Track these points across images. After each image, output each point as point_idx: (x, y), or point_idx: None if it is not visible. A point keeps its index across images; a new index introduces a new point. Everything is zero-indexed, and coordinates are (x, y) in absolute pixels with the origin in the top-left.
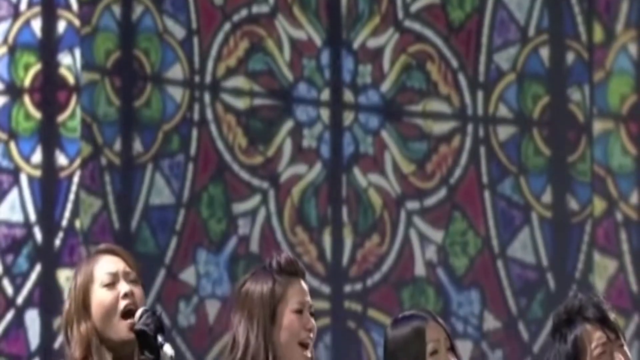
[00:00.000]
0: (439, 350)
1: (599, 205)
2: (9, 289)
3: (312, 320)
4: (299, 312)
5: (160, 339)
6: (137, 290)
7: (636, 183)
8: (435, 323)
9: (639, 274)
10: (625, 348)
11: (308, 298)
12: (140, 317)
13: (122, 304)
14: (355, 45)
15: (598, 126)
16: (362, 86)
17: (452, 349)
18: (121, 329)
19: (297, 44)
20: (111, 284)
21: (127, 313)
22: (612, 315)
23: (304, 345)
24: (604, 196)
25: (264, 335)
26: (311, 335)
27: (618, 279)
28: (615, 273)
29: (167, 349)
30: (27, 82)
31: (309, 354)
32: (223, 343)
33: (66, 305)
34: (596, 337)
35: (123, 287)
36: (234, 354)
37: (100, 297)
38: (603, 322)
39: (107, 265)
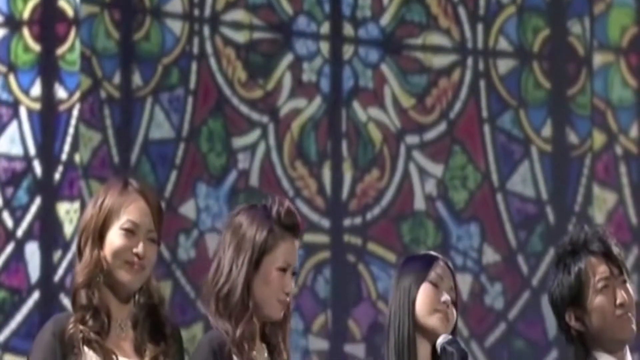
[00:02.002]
0: (439, 285)
1: (598, 138)
2: (8, 222)
3: (292, 282)
4: (283, 270)
5: None
6: (151, 251)
7: (636, 116)
8: (446, 266)
9: (638, 207)
10: (628, 285)
11: (295, 259)
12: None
13: (131, 258)
14: None
15: (598, 59)
16: (362, 19)
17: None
18: (122, 270)
19: None
20: (130, 232)
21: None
22: (617, 250)
23: (279, 304)
24: (604, 129)
25: (245, 276)
26: (288, 299)
27: (617, 212)
28: (615, 206)
29: None
30: (26, 14)
31: (281, 314)
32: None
33: (88, 215)
34: (600, 270)
35: (140, 246)
36: (217, 277)
37: (114, 237)
38: (607, 256)
39: (135, 211)
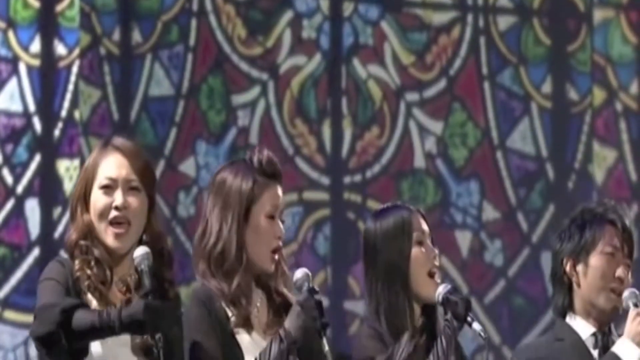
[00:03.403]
0: (424, 241)
1: (598, 95)
2: (8, 179)
3: (282, 227)
4: (272, 217)
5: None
6: (134, 200)
7: (636, 72)
8: (420, 216)
9: (638, 164)
10: (630, 273)
11: (281, 202)
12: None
13: (112, 214)
14: None
15: (598, 15)
16: None
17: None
18: (108, 235)
19: None
20: (108, 189)
21: (116, 222)
22: (634, 238)
23: (273, 251)
24: (604, 86)
25: (236, 231)
26: (280, 243)
27: (617, 169)
28: (615, 163)
29: (476, 326)
30: None
31: (275, 259)
32: None
33: (77, 184)
34: (613, 239)
35: (118, 197)
36: (206, 240)
37: (95, 198)
38: (624, 233)
39: (109, 167)
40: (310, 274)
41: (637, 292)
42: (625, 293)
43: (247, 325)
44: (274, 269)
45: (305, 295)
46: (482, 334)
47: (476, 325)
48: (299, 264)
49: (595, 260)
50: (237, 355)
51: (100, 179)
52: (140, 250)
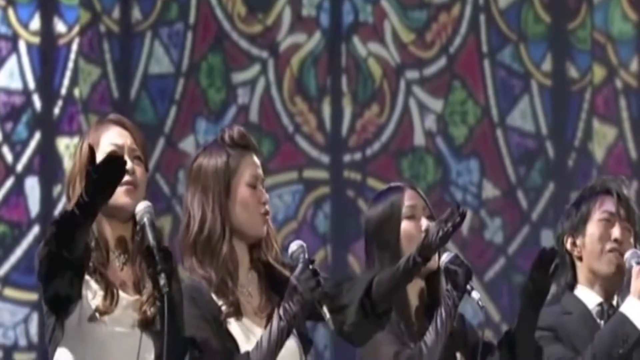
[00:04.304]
0: (416, 215)
1: (598, 72)
2: (8, 156)
3: (265, 193)
4: (253, 186)
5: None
6: (139, 169)
7: (636, 50)
8: (412, 191)
9: (637, 141)
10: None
11: (260, 171)
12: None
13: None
14: None
15: None
16: None
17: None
18: (118, 195)
19: None
20: None
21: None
22: (633, 202)
23: (260, 218)
24: (604, 63)
25: (220, 209)
26: (267, 207)
27: (617, 147)
28: (615, 140)
29: (475, 294)
30: None
31: (266, 221)
32: None
33: (71, 166)
34: (607, 206)
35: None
36: (190, 229)
37: None
38: (619, 197)
39: (114, 136)
40: (305, 245)
41: (639, 251)
42: (627, 254)
43: (237, 313)
44: (264, 242)
45: (301, 268)
46: (480, 302)
47: (475, 294)
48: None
49: (591, 228)
50: (230, 348)
51: (105, 147)
52: (142, 204)
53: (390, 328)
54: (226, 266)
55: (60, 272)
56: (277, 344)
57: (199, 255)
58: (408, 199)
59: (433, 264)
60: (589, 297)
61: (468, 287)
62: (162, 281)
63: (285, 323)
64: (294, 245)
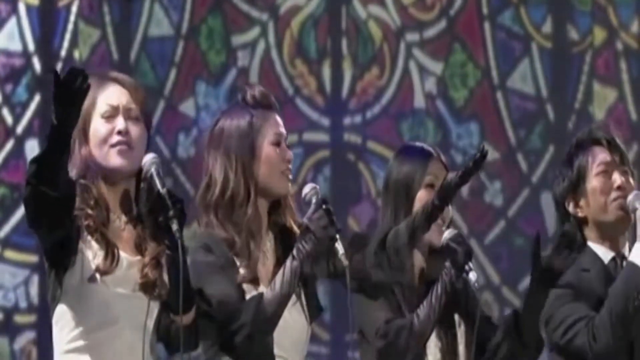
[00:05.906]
0: (435, 185)
1: (599, 34)
2: (8, 118)
3: (289, 151)
4: (277, 144)
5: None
6: (135, 129)
7: (637, 11)
8: (438, 162)
9: (638, 103)
10: (630, 176)
11: (283, 130)
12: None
13: (115, 139)
14: None
15: None
16: None
17: None
18: (111, 156)
19: None
20: (110, 117)
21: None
22: (622, 144)
23: (284, 175)
24: (605, 25)
25: (243, 170)
26: (290, 166)
27: (617, 109)
28: (615, 102)
29: (472, 276)
30: None
31: (289, 186)
32: None
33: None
34: (601, 157)
35: (120, 123)
36: (211, 192)
37: (96, 126)
38: (610, 144)
39: (110, 96)
40: (318, 187)
41: None
42: (630, 197)
43: (255, 282)
44: (284, 201)
45: (313, 208)
46: (476, 285)
47: (472, 276)
48: (299, 205)
49: (591, 184)
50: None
51: (101, 106)
52: (148, 156)
53: (388, 297)
54: (249, 228)
55: (47, 211)
56: (290, 285)
57: (219, 216)
58: (433, 168)
59: (436, 240)
60: (602, 252)
61: (466, 267)
62: (175, 227)
63: (298, 262)
64: (307, 188)
